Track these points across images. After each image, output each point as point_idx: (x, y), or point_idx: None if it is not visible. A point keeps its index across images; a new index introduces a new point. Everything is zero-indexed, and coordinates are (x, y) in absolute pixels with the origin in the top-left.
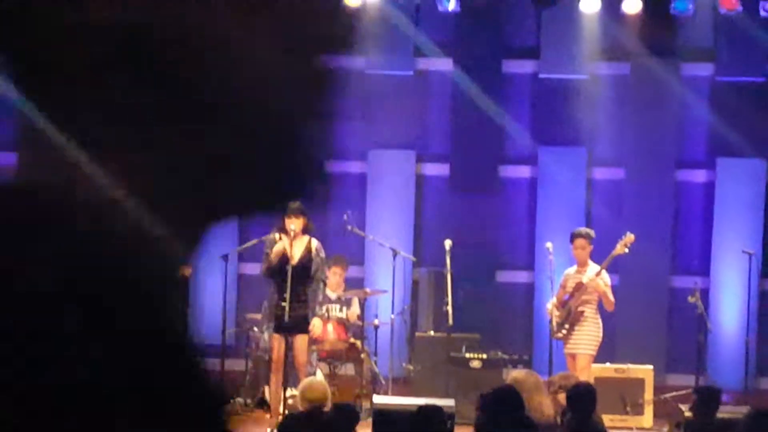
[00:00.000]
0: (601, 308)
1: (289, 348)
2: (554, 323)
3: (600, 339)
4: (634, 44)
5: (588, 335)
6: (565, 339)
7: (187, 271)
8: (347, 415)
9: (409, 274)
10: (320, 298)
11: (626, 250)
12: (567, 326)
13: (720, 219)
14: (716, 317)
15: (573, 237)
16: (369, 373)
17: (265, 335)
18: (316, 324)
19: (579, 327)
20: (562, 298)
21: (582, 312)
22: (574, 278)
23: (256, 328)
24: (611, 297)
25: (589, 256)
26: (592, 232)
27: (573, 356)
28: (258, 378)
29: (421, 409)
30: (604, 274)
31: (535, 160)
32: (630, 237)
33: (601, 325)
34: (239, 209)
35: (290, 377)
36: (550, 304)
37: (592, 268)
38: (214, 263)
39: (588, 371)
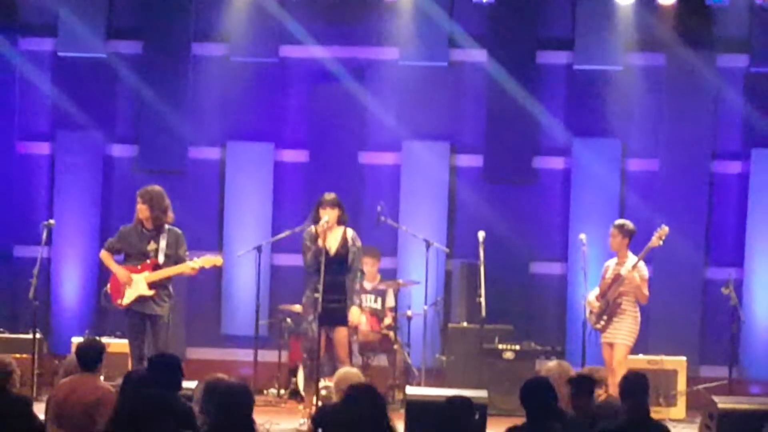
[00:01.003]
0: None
1: (327, 340)
2: (593, 313)
3: (637, 331)
4: (669, 35)
5: (626, 326)
6: (603, 329)
7: (219, 261)
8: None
9: (443, 266)
10: (358, 287)
11: (661, 243)
12: (605, 317)
13: (754, 210)
14: (750, 309)
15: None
16: (402, 364)
17: (313, 326)
18: (354, 312)
19: (617, 318)
20: (603, 289)
21: (620, 303)
22: (614, 269)
23: (289, 320)
24: (646, 291)
25: (627, 247)
26: (628, 224)
27: (611, 345)
28: (312, 369)
29: (451, 400)
30: (642, 267)
31: (569, 152)
32: (665, 229)
33: (639, 317)
34: None
35: (327, 368)
36: (591, 295)
37: (631, 259)
38: (247, 254)
39: (625, 362)
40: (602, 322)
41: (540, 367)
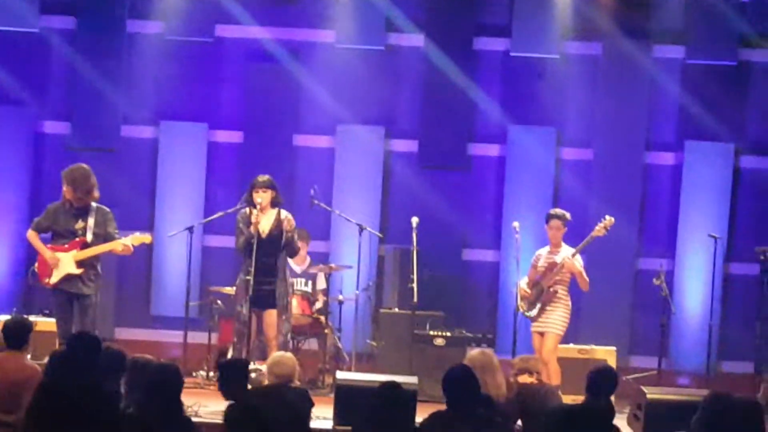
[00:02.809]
0: (571, 289)
1: (257, 323)
2: (524, 302)
3: (569, 320)
4: (606, 25)
5: (559, 315)
6: (535, 318)
7: (148, 239)
8: (305, 399)
9: (375, 251)
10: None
11: (605, 233)
12: (539, 305)
13: (687, 202)
14: (681, 300)
15: (549, 217)
16: (333, 348)
17: (244, 309)
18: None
19: (550, 306)
20: (533, 278)
21: (555, 292)
22: (547, 258)
23: (219, 302)
24: (586, 277)
25: (562, 237)
26: (567, 215)
27: (541, 334)
28: (241, 352)
29: (383, 386)
30: (578, 256)
31: (504, 139)
32: (610, 220)
33: (570, 306)
34: None
35: (257, 351)
36: (523, 282)
37: (565, 249)
38: (179, 235)
39: (555, 350)
40: (535, 310)
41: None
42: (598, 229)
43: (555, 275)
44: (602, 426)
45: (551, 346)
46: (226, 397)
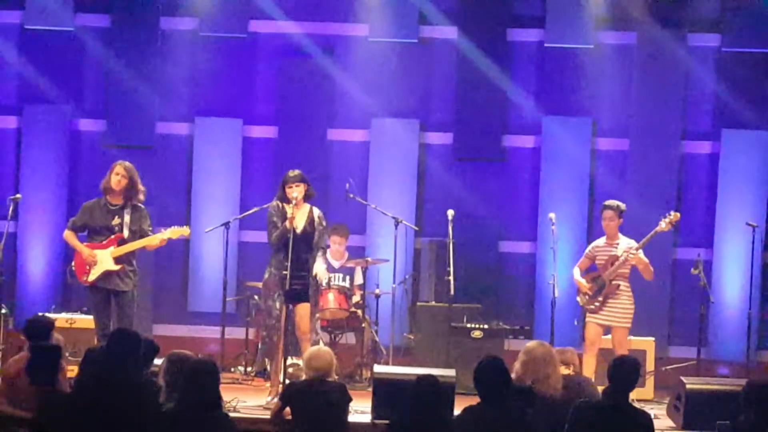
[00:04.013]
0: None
1: (290, 317)
2: (583, 295)
3: (634, 311)
4: (640, 14)
5: (624, 308)
6: (597, 310)
7: (186, 232)
8: (343, 393)
9: (411, 244)
10: (325, 266)
11: (670, 228)
12: (600, 298)
13: (724, 191)
14: (719, 289)
15: (603, 209)
16: (370, 342)
17: (277, 304)
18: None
19: (614, 299)
20: (585, 269)
21: (617, 285)
22: (605, 250)
23: (257, 297)
24: (651, 267)
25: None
26: (622, 206)
27: (601, 326)
28: (273, 347)
29: (420, 379)
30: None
31: (539, 130)
32: (675, 215)
33: (633, 297)
34: None
35: (291, 346)
36: (576, 273)
37: (624, 241)
38: (215, 231)
39: (625, 344)
40: (597, 303)
41: (508, 345)
42: (664, 225)
43: (617, 269)
44: (628, 418)
45: (621, 338)
46: (34, 382)
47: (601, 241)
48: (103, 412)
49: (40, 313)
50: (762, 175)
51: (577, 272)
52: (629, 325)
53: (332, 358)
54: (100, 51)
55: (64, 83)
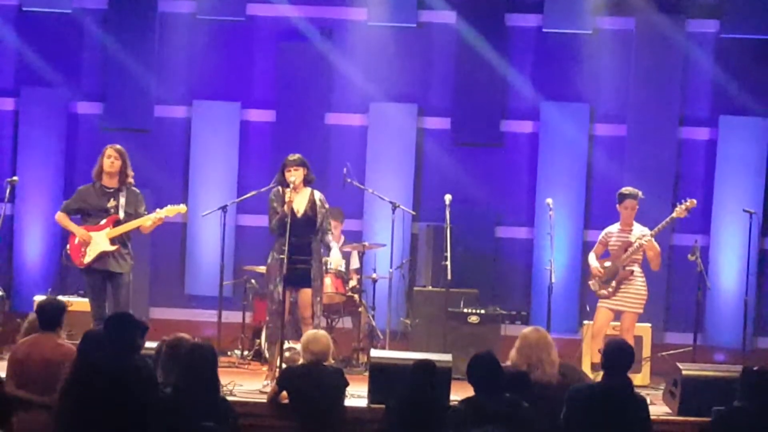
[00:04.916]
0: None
1: (291, 302)
2: (596, 280)
3: (647, 296)
4: None
5: (637, 293)
6: (610, 296)
7: (183, 209)
8: (340, 378)
9: (409, 229)
10: (330, 238)
11: (687, 215)
12: (614, 284)
13: (721, 177)
14: (716, 276)
15: (622, 197)
16: (366, 326)
17: (278, 288)
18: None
19: (627, 285)
20: (599, 254)
21: (631, 271)
22: (619, 237)
23: (253, 281)
24: (660, 258)
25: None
26: (640, 193)
27: (612, 311)
28: (276, 332)
29: (417, 364)
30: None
31: (537, 115)
32: (692, 202)
33: (646, 283)
34: None
35: (290, 330)
36: (592, 260)
37: (637, 228)
38: (212, 214)
39: (633, 329)
40: (610, 289)
41: (504, 330)
42: (679, 211)
43: (631, 255)
44: (623, 402)
45: (629, 324)
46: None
47: (614, 227)
48: (99, 397)
49: (50, 296)
50: (759, 161)
51: (592, 257)
52: (641, 311)
53: (329, 342)
54: (97, 34)
55: (61, 66)
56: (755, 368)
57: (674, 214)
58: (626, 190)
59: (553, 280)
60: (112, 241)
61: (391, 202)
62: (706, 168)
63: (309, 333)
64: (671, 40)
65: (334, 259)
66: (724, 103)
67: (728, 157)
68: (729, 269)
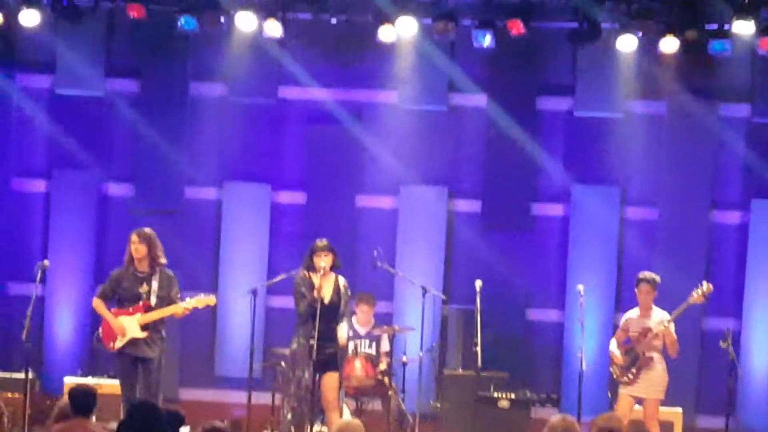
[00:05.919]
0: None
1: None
2: (617, 367)
3: (668, 382)
4: (670, 83)
5: (658, 379)
6: (631, 382)
7: (212, 301)
8: None
9: (439, 312)
10: (350, 333)
11: (704, 300)
12: (634, 370)
13: (753, 261)
14: (748, 359)
15: (639, 282)
16: (396, 410)
17: (306, 374)
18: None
19: (647, 371)
20: (622, 341)
21: (651, 357)
22: (639, 322)
23: (283, 363)
24: (678, 345)
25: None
26: (658, 278)
27: (634, 398)
28: (303, 417)
29: None
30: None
31: (568, 198)
32: (708, 287)
33: (667, 369)
34: None
35: (315, 413)
36: (613, 346)
37: (657, 312)
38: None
39: (656, 416)
40: (630, 375)
41: (535, 414)
42: (696, 296)
43: (650, 341)
44: None
45: (652, 410)
46: None
47: (634, 312)
48: None
49: (83, 383)
50: None
51: (613, 344)
52: (662, 397)
53: (362, 430)
54: (129, 116)
55: (93, 147)
56: None
57: (690, 300)
58: (642, 274)
59: (584, 368)
60: (144, 327)
61: (421, 286)
62: (737, 252)
63: (341, 422)
64: (703, 124)
65: (341, 337)
66: (756, 187)
67: (760, 241)
68: (761, 353)
